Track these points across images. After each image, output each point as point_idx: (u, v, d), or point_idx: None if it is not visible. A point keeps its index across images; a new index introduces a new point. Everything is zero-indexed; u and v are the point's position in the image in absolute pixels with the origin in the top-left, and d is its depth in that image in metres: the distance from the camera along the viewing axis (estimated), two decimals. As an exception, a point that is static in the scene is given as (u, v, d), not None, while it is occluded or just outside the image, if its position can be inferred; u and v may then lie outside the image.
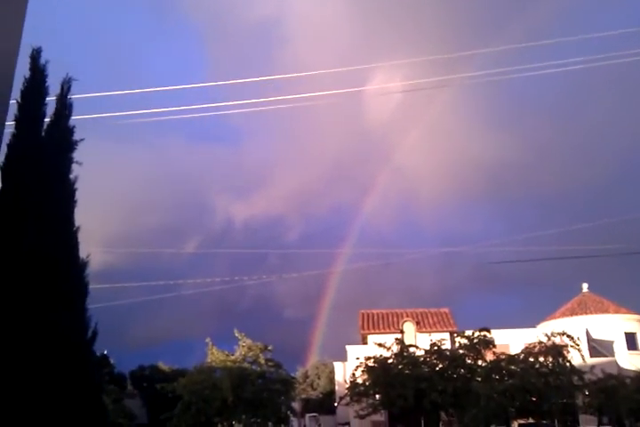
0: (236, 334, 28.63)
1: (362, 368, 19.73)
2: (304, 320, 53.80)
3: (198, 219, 69.94)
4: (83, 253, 6.16)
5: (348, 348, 35.34)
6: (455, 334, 24.37)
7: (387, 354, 19.93)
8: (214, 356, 28.57)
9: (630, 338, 38.83)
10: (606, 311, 39.75)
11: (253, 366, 28.25)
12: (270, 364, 28.31)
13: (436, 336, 20.95)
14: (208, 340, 29.20)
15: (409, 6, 64.02)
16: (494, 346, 19.69)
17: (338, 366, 37.06)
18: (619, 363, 34.40)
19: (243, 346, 28.62)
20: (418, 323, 36.77)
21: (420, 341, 23.82)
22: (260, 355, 28.20)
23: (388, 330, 35.70)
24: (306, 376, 50.27)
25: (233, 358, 28.44)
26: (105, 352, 39.38)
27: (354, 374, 20.16)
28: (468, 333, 19.81)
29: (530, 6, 56.81)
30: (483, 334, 19.42)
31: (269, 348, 28.67)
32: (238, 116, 62.67)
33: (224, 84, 19.09)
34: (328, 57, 56.60)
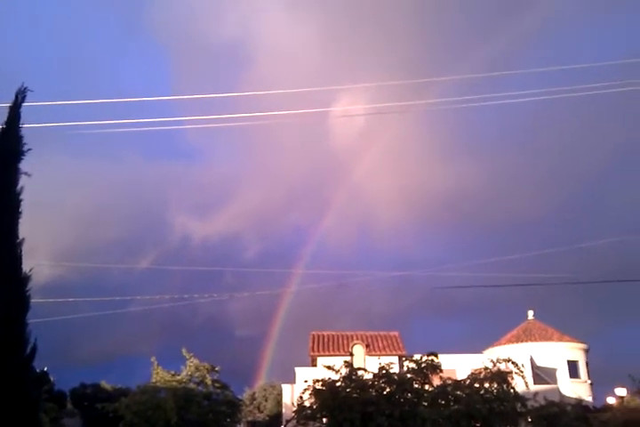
0: (184, 354, 28.14)
1: (309, 391, 19.55)
2: (255, 340, 53.24)
3: (154, 235, 68.97)
4: (27, 266, 5.98)
5: (297, 370, 35.07)
6: (404, 358, 24.48)
7: (335, 377, 19.83)
8: (159, 376, 27.96)
9: (572, 366, 39.79)
10: (550, 339, 40.69)
11: (199, 387, 27.77)
12: (217, 385, 27.88)
13: (385, 360, 20.94)
14: (153, 359, 28.61)
15: (378, 31, 65.51)
16: (441, 371, 19.81)
17: (286, 388, 36.69)
18: (561, 390, 35.15)
19: (190, 366, 28.12)
20: (368, 346, 36.82)
21: (370, 364, 23.81)
22: (207, 375, 27.75)
23: (337, 352, 35.64)
24: (253, 398, 49.52)
25: (179, 378, 27.91)
26: (45, 369, 38.01)
27: (301, 397, 19.95)
28: (417, 357, 19.90)
29: (497, 32, 58.83)
30: (430, 358, 19.51)
31: (217, 369, 28.25)
32: (200, 133, 62.55)
33: (184, 98, 19.03)
34: (295, 78, 57.22)
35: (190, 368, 28.04)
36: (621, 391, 31.75)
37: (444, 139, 69.10)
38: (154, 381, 27.90)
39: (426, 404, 18.73)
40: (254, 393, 50.18)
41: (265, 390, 49.84)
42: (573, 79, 19.71)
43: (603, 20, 68.59)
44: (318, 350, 36.79)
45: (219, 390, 27.83)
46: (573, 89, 19.25)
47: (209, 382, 27.63)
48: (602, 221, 62.23)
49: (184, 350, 28.12)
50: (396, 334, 38.50)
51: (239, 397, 37.54)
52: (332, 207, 58.28)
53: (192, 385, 27.64)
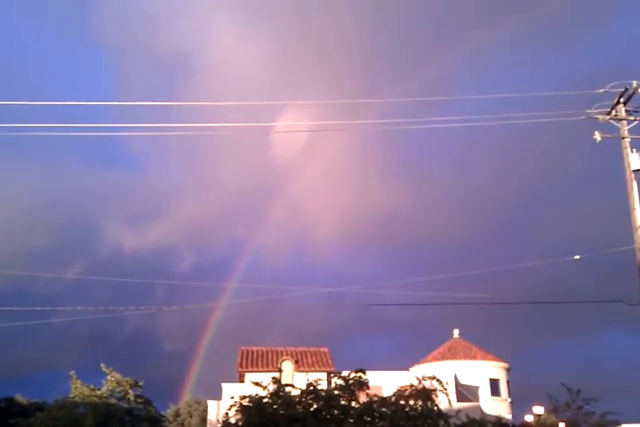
0: (104, 369, 27.19)
1: (236, 407, 19.27)
2: (184, 355, 52.07)
3: (85, 244, 66.79)
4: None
5: (224, 386, 34.48)
6: (332, 375, 24.52)
7: (263, 393, 19.63)
8: (78, 390, 26.85)
9: (494, 384, 40.88)
10: (474, 358, 41.70)
11: (121, 403, 26.86)
12: (140, 400, 27.05)
13: (313, 376, 20.93)
14: (72, 373, 27.49)
15: (327, 48, 66.43)
16: (368, 388, 19.98)
17: (212, 404, 35.95)
18: (482, 408, 35.98)
19: (111, 381, 27.18)
20: (297, 362, 36.65)
21: (298, 380, 23.70)
22: (130, 391, 26.89)
23: (266, 368, 35.29)
24: (177, 415, 48.25)
25: (99, 393, 26.90)
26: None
27: (227, 414, 19.63)
28: (345, 373, 20.00)
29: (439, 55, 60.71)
30: (358, 375, 19.66)
31: (140, 383, 27.43)
32: (141, 142, 61.29)
33: (123, 104, 18.58)
34: (242, 91, 57.14)
35: (112, 383, 27.11)
36: (539, 410, 32.79)
37: (381, 159, 70.57)
38: (72, 395, 26.76)
39: (352, 421, 18.81)
40: (179, 409, 48.93)
41: (190, 406, 48.69)
42: (506, 106, 20.52)
43: (538, 49, 72.10)
44: (247, 366, 36.31)
45: (141, 406, 26.99)
46: (503, 117, 19.99)
47: (131, 398, 26.76)
48: (527, 243, 64.80)
49: (103, 365, 27.19)
50: (326, 350, 38.53)
51: (163, 413, 36.51)
52: (269, 222, 58.20)
53: (113, 400, 26.70)
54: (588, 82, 18.78)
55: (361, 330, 70.17)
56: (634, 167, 17.39)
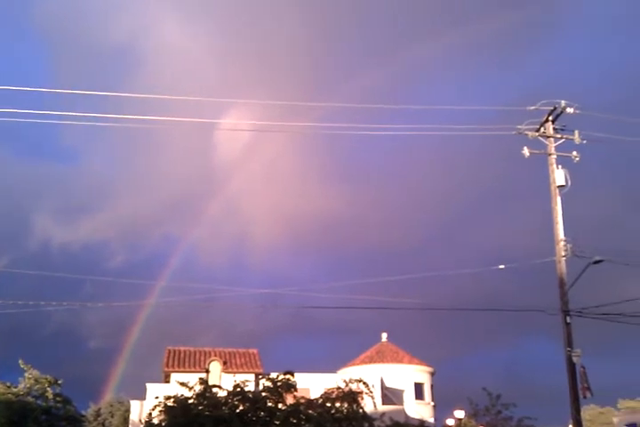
0: (21, 365, 26.20)
1: (160, 408, 18.93)
2: (109, 353, 50.67)
3: (12, 236, 64.00)
4: None
5: (149, 386, 33.79)
6: (261, 376, 24.46)
7: (189, 394, 19.38)
8: (-7, 388, 25.80)
9: (419, 388, 41.83)
10: (401, 361, 42.55)
11: (38, 401, 25.96)
12: (58, 399, 26.23)
13: (241, 377, 20.80)
14: (-13, 370, 26.39)
15: (274, 49, 66.28)
16: (296, 390, 20.05)
17: (135, 404, 35.15)
18: (407, 411, 36.75)
19: (29, 378, 26.21)
20: (225, 363, 36.34)
21: (226, 381, 23.51)
22: (48, 389, 26.02)
23: (193, 369, 34.82)
24: (98, 414, 46.85)
25: (15, 390, 25.90)
26: None
27: (150, 414, 19.26)
28: (273, 375, 20.00)
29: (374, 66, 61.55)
30: (287, 377, 19.70)
31: (59, 382, 26.57)
32: (78, 134, 59.28)
33: (57, 92, 17.91)
34: (188, 87, 56.21)
35: (29, 380, 26.14)
36: (460, 414, 33.81)
37: (323, 162, 71.04)
38: (-14, 393, 25.68)
39: (278, 423, 18.82)
40: (100, 409, 47.53)
41: (112, 405, 47.40)
42: (447, 118, 21.07)
43: (479, 65, 74.35)
44: (173, 366, 35.71)
45: (60, 405, 26.17)
46: (439, 128, 20.55)
47: (50, 396, 25.92)
48: (458, 251, 66.58)
49: (21, 361, 26.21)
50: (255, 351, 38.38)
51: (83, 412, 35.44)
52: (207, 221, 57.50)
53: (30, 399, 25.77)
54: (523, 99, 19.58)
55: (293, 332, 70.43)
56: (558, 183, 18.26)
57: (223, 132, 48.26)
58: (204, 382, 19.74)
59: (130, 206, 68.06)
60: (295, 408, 19.22)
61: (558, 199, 18.41)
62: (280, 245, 71.76)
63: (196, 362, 36.46)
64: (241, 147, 61.67)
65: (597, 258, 17.28)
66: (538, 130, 18.88)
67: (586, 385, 17.44)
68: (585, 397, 17.64)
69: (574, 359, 17.53)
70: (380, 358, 42.77)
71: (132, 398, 36.84)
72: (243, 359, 37.33)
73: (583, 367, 17.53)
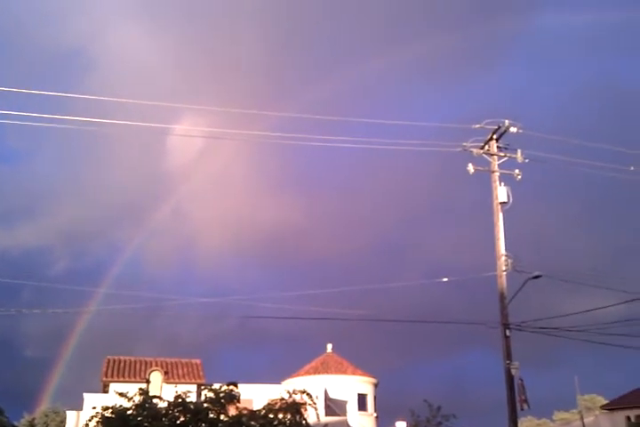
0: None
1: (97, 419, 18.42)
2: (46, 362, 48.98)
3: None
4: None
5: (86, 396, 32.84)
6: (203, 387, 24.12)
7: (128, 404, 18.93)
8: None
9: (362, 399, 42.04)
10: (345, 372, 42.70)
11: (-32, 412, 24.84)
12: (-10, 410, 25.17)
13: (183, 388, 20.45)
14: None
15: (230, 57, 66.02)
16: (239, 401, 19.85)
17: (71, 415, 34.09)
18: (349, 423, 36.86)
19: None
20: (166, 373, 35.68)
21: (167, 392, 23.08)
22: (-20, 399, 24.94)
23: (133, 379, 34.07)
24: (31, 425, 45.20)
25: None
26: None
27: (87, 425, 18.71)
28: (216, 386, 19.77)
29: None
30: (230, 388, 19.49)
31: (-7, 391, 25.54)
32: (24, 135, 57.38)
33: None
34: (141, 91, 55.34)
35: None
36: (401, 425, 34.17)
37: (275, 172, 71.05)
38: None
39: (219, 434, 18.59)
40: (34, 419, 45.87)
41: (47, 415, 45.82)
42: (398, 134, 21.42)
43: (432, 82, 76.01)
44: (112, 376, 34.83)
45: (-9, 416, 25.12)
46: (393, 142, 20.90)
47: (-19, 407, 24.85)
48: (405, 265, 67.56)
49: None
50: (198, 362, 37.83)
51: (15, 423, 34.10)
52: (154, 228, 56.51)
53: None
54: (471, 117, 20.15)
55: (239, 343, 69.73)
56: (500, 200, 18.86)
57: (175, 139, 47.76)
58: (143, 392, 19.32)
59: (74, 211, 66.37)
60: (237, 420, 19.02)
61: (500, 215, 18.98)
62: (229, 255, 71.29)
63: (136, 372, 35.67)
64: (192, 154, 61.08)
65: (536, 273, 17.88)
66: (482, 147, 19.47)
67: (523, 397, 17.91)
68: (522, 409, 18.10)
69: (513, 372, 18.00)
70: (324, 369, 42.81)
71: (69, 409, 35.74)
72: (185, 370, 36.73)
73: (521, 380, 18.02)
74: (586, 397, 58.43)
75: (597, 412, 50.43)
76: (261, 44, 69.83)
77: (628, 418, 43.48)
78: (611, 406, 47.27)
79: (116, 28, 68.27)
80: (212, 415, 19.02)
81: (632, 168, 20.16)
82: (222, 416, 19.20)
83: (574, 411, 57.72)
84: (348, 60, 70.86)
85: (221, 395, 19.33)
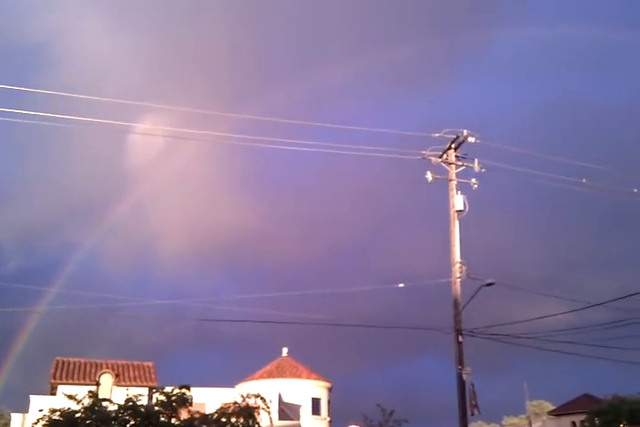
0: None
1: (44, 422, 17.99)
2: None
3: None
4: None
5: (33, 398, 31.98)
6: (155, 390, 23.76)
7: (77, 407, 18.54)
8: None
9: (316, 403, 42.07)
10: (300, 376, 42.66)
11: None
12: None
13: (134, 391, 20.15)
14: None
15: (195, 58, 65.36)
16: (191, 404, 19.66)
17: (16, 417, 33.15)
18: None
19: None
20: (117, 375, 35.05)
21: (117, 395, 22.67)
22: None
23: (83, 381, 33.41)
24: (-27, 429, 43.69)
25: None
26: None
27: (33, 428, 18.25)
28: (168, 389, 19.52)
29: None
30: (182, 391, 19.28)
31: None
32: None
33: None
34: (104, 89, 54.29)
35: None
36: (354, 429, 34.26)
37: (236, 175, 70.65)
38: None
39: (170, 438, 18.38)
40: (-25, 423, 44.39)
41: (-10, 419, 44.38)
42: (360, 139, 21.57)
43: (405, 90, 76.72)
44: (61, 378, 34.01)
45: None
46: (354, 148, 21.04)
47: None
48: (364, 270, 67.96)
49: None
50: (150, 364, 37.25)
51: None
52: (111, 228, 55.36)
53: None
54: (430, 127, 20.45)
55: (194, 346, 68.91)
56: (457, 208, 19.20)
57: (136, 138, 46.97)
58: (93, 395, 18.97)
59: (28, 209, 64.51)
60: (189, 423, 18.85)
61: (456, 223, 19.32)
62: (188, 256, 70.40)
63: (85, 374, 34.95)
64: (153, 153, 60.11)
65: (489, 281, 18.24)
66: (441, 156, 19.81)
67: (474, 402, 18.20)
68: (473, 414, 18.40)
69: (464, 377, 18.29)
70: (279, 372, 42.70)
71: (14, 411, 34.75)
72: (136, 372, 36.13)
73: (472, 385, 18.31)
74: (534, 402, 59.80)
75: (545, 417, 51.70)
76: (226, 44, 69.45)
77: (574, 423, 44.68)
78: (557, 412, 48.53)
79: (81, 25, 66.92)
80: (163, 419, 18.79)
81: (584, 180, 20.78)
82: (174, 420, 18.99)
83: (523, 416, 59.01)
84: (312, 66, 71.10)
85: (173, 398, 19.11)
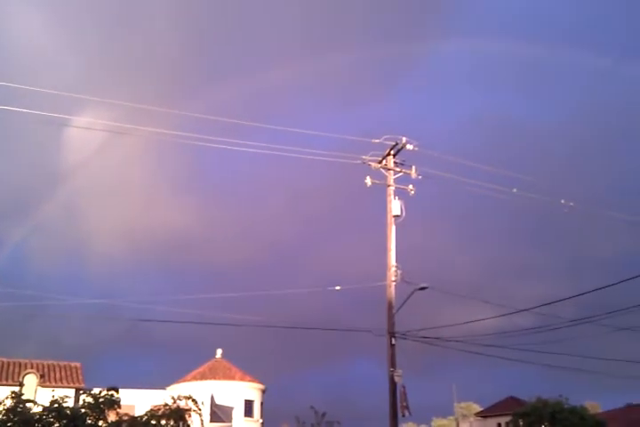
0: None
1: (-38, 425, 17.22)
2: None
3: None
4: None
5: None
6: (82, 392, 23.10)
7: (-3, 409, 17.84)
8: None
9: (249, 405, 41.91)
10: (233, 378, 42.40)
11: None
12: None
13: (61, 392, 19.57)
14: None
15: (138, 54, 63.89)
16: (119, 406, 19.24)
17: None
18: (233, 428, 36.61)
19: None
20: (42, 376, 33.87)
21: (42, 396, 21.91)
22: None
23: (5, 382, 32.20)
24: None
25: None
26: None
27: (-51, 431, 17.43)
28: (96, 391, 19.04)
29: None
30: (110, 393, 18.85)
31: None
32: None
33: None
34: (45, 81, 52.18)
35: None
36: (286, 431, 34.31)
37: (174, 174, 69.50)
38: None
39: (96, 441, 17.94)
40: None
41: None
42: (305, 142, 21.58)
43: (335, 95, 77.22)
44: (-18, 379, 32.63)
45: None
46: (295, 150, 21.06)
47: None
48: (303, 271, 68.01)
49: None
50: (78, 365, 36.17)
51: None
52: (43, 224, 53.38)
53: None
54: (369, 134, 20.70)
55: (126, 347, 67.21)
56: (394, 213, 19.58)
57: (73, 133, 45.47)
58: (16, 396, 18.31)
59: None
60: (117, 426, 18.44)
61: (393, 228, 19.69)
62: (121, 256, 68.67)
63: (8, 374, 33.65)
64: (90, 149, 58.35)
65: (423, 285, 18.66)
66: (380, 162, 20.16)
67: (405, 404, 18.54)
68: (403, 415, 18.74)
69: (396, 379, 18.63)
70: (212, 374, 42.28)
71: None
72: (63, 373, 35.02)
73: (404, 387, 18.65)
74: (462, 404, 61.46)
75: (472, 419, 53.13)
76: (173, 39, 68.27)
77: (499, 425, 46.13)
78: (484, 414, 49.98)
79: (21, 16, 64.28)
80: (89, 421, 18.32)
81: (515, 190, 21.57)
82: (101, 422, 18.54)
83: (451, 418, 60.58)
84: (257, 68, 70.86)
85: (101, 400, 18.66)
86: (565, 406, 30.27)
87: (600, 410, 44.79)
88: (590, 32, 74.35)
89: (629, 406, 40.22)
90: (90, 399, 18.67)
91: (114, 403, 18.74)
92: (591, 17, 76.09)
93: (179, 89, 65.82)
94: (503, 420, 44.68)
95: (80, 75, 62.79)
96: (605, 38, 74.61)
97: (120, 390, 19.29)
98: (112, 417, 18.88)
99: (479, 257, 64.68)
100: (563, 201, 22.04)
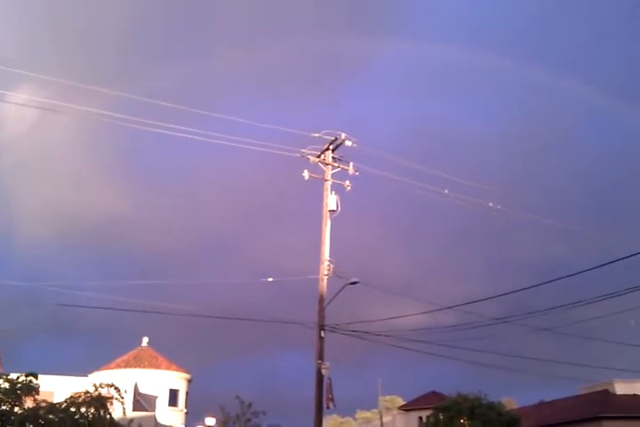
0: None
1: None
2: None
3: None
4: None
5: None
6: (-2, 377, 22.36)
7: None
8: None
9: (173, 395, 41.44)
10: (158, 367, 41.81)
11: None
12: None
13: (-25, 378, 18.84)
14: None
15: (79, 31, 61.57)
16: (38, 393, 18.74)
17: None
18: (157, 418, 36.11)
19: None
20: (-43, 361, 32.45)
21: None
22: None
23: None
24: None
25: None
26: None
27: None
28: (13, 376, 18.46)
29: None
30: (28, 379, 18.32)
31: None
32: None
33: None
34: None
35: None
36: (210, 421, 34.14)
37: (109, 158, 67.46)
38: None
39: (11, 427, 17.42)
40: None
41: None
42: (246, 133, 21.36)
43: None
44: None
45: None
46: (236, 140, 20.84)
47: None
48: (237, 262, 67.56)
49: None
50: (-6, 350, 34.83)
51: None
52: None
53: None
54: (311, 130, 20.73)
55: (50, 332, 64.94)
56: (330, 207, 19.79)
57: (7, 109, 43.38)
58: None
59: None
60: (34, 413, 17.98)
61: (328, 222, 19.90)
62: (48, 239, 66.29)
63: None
64: (21, 129, 55.98)
65: (354, 279, 18.97)
66: (319, 156, 20.31)
67: (330, 396, 18.84)
68: (328, 407, 19.02)
69: (323, 371, 18.89)
70: (136, 362, 41.54)
71: None
72: (-21, 358, 33.64)
73: (330, 379, 18.94)
74: (387, 398, 62.78)
75: (395, 412, 54.33)
76: (116, 17, 66.08)
77: (421, 418, 47.34)
78: (406, 407, 51.14)
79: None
80: (4, 407, 17.79)
81: (446, 191, 22.18)
82: (17, 409, 18.02)
83: (375, 411, 61.75)
84: (197, 53, 69.57)
85: (18, 386, 18.14)
86: (484, 402, 31.33)
87: (516, 406, 46.59)
88: (532, 41, 76.86)
89: (542, 404, 41.98)
90: (6, 385, 18.12)
91: (32, 389, 18.28)
92: (534, 24, 78.55)
93: (120, 71, 63.95)
94: (424, 413, 45.84)
95: (19, 49, 60.09)
96: (545, 49, 77.32)
97: (40, 376, 18.80)
98: (29, 403, 18.39)
99: (412, 255, 66.11)
100: (491, 204, 22.79)
